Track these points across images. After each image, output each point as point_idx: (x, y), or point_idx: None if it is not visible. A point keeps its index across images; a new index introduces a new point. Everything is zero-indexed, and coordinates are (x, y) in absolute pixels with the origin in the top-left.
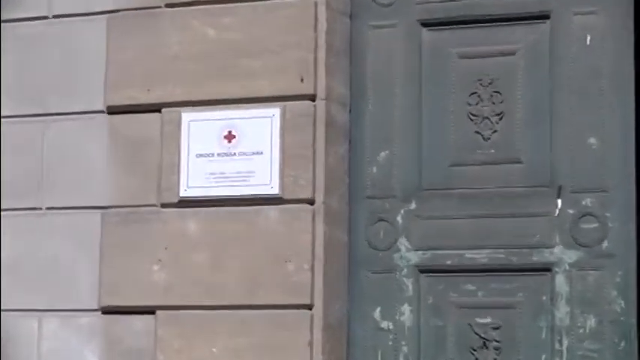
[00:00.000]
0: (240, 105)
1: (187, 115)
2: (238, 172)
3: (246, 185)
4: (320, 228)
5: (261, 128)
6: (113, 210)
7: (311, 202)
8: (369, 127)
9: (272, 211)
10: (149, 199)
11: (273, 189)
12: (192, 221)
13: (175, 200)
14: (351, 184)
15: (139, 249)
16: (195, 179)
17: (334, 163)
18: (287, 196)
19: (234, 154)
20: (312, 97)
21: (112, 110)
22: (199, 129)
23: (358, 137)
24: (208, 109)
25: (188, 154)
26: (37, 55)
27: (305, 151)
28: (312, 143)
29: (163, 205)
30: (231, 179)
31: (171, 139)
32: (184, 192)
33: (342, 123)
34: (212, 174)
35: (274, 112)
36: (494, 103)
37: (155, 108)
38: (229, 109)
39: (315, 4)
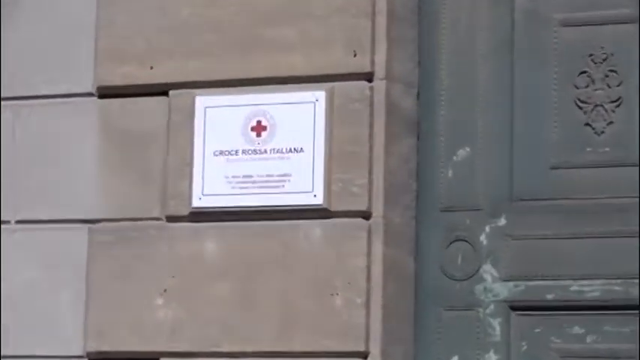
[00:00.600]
0: (272, 87)
1: (203, 100)
2: (270, 176)
3: (281, 193)
4: (378, 250)
5: (301, 117)
6: (104, 225)
7: (366, 215)
8: (443, 117)
9: (315, 227)
10: (151, 211)
11: (317, 198)
12: (209, 240)
13: (186, 212)
14: (420, 192)
15: (138, 277)
16: (212, 184)
17: (397, 165)
18: (334, 208)
19: (265, 151)
20: (369, 77)
21: (104, 92)
22: (218, 118)
23: (429, 130)
24: (230, 92)
25: (203, 152)
26: (6, 20)
27: (358, 148)
28: (367, 138)
29: (170, 219)
30: (260, 185)
31: (182, 130)
32: (198, 201)
33: (408, 111)
34: (235, 177)
35: (318, 95)
36: (609, 87)
37: (160, 90)
38: (258, 92)
39: None
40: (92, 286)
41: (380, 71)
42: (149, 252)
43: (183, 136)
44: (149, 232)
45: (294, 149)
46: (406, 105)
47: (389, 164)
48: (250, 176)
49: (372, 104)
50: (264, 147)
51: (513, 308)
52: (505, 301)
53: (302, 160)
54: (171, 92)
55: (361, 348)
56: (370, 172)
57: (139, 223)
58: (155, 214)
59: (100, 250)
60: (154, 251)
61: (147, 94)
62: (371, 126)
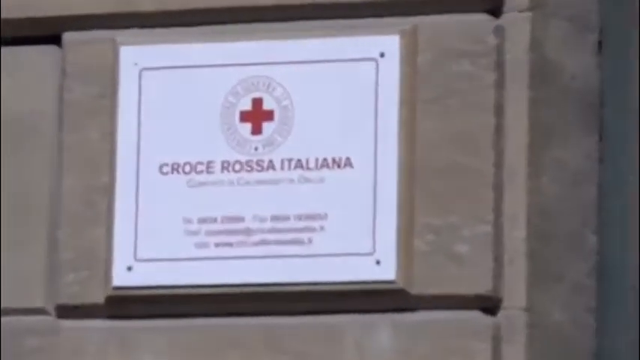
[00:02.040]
0: (285, 26)
1: (134, 53)
2: (280, 218)
3: (304, 257)
4: None
5: (348, 92)
6: None
7: (491, 305)
8: None
9: (377, 329)
10: (30, 298)
11: (382, 267)
12: (148, 357)
13: (99, 298)
14: (604, 254)
15: None
16: (156, 238)
17: (554, 194)
18: (420, 289)
19: (271, 165)
20: (495, 4)
21: None
22: (170, 93)
23: (620, 121)
24: (194, 36)
25: (137, 166)
26: None
27: (471, 160)
28: (491, 136)
29: (65, 313)
30: (259, 238)
31: (89, 119)
32: (125, 275)
33: (580, 82)
34: (204, 222)
35: (384, 45)
36: None
37: (44, 32)
38: (255, 36)
39: None
40: None
41: None
42: None
43: (94, 132)
44: (24, 341)
45: (334, 162)
46: (575, 69)
47: (539, 192)
48: (238, 219)
49: (500, 65)
50: (266, 156)
51: None
52: None
53: (349, 183)
54: (66, 36)
55: None
56: (498, 211)
57: (9, 319)
58: (37, 304)
59: None
60: None
61: (18, 41)
62: (499, 111)
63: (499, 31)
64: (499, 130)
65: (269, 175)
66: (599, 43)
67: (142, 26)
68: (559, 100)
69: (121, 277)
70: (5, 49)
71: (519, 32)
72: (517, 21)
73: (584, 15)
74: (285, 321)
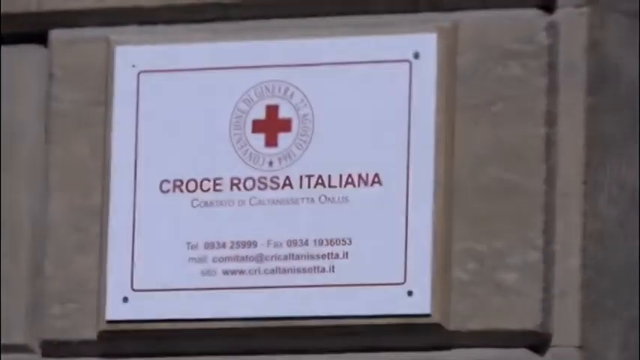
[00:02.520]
0: (302, 25)
1: (130, 54)
2: (298, 244)
3: (326, 286)
4: None
5: (377, 99)
6: None
7: (539, 343)
8: None
9: None
10: (11, 333)
11: (415, 299)
12: None
13: (91, 334)
14: None
15: None
16: (155, 267)
17: (616, 215)
18: (460, 324)
19: (287, 182)
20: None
21: None
22: (171, 98)
23: None
24: (197, 35)
25: (134, 184)
26: None
27: (518, 176)
28: (542, 147)
29: (48, 350)
30: (274, 266)
31: (81, 128)
32: (121, 308)
33: None
34: (211, 247)
35: (420, 45)
36: None
37: (32, 29)
38: (269, 36)
39: None
40: None
41: None
42: None
43: (85, 146)
44: None
45: (360, 179)
46: (637, 72)
47: (596, 215)
48: (250, 244)
49: (553, 67)
50: (282, 172)
51: None
52: None
53: (378, 204)
54: (53, 34)
55: None
56: (549, 236)
57: None
58: (19, 340)
59: None
60: None
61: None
62: (551, 120)
63: (552, 29)
64: (551, 143)
65: (285, 193)
66: None
67: (141, 23)
68: (619, 108)
69: (115, 310)
70: None
71: (575, 30)
72: (573, 17)
73: None
74: None
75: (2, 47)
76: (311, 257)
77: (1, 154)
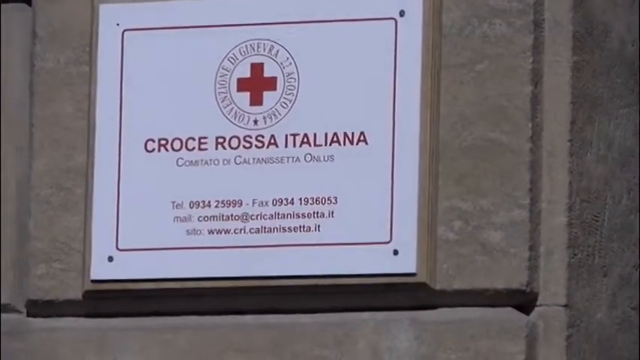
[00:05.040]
0: None
1: (114, 11)
2: (284, 203)
3: (312, 245)
4: None
5: (361, 57)
6: None
7: (527, 301)
8: None
9: (396, 329)
10: None
11: (401, 258)
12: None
13: (76, 294)
14: None
15: None
16: (141, 225)
17: (602, 175)
18: (445, 283)
19: (272, 141)
20: None
21: None
22: (156, 57)
23: None
24: None
25: (119, 143)
26: None
27: (504, 135)
28: (528, 106)
29: (37, 310)
30: (259, 225)
31: (64, 89)
32: (106, 266)
33: (629, 45)
34: (197, 206)
35: (402, 3)
36: None
37: None
38: None
39: None
40: None
41: None
42: None
43: (68, 105)
44: None
45: (346, 137)
46: (624, 31)
47: (582, 173)
48: (235, 203)
49: (539, 25)
50: (268, 130)
51: None
52: None
53: (363, 163)
54: None
55: None
56: (535, 194)
57: None
58: (3, 299)
59: None
60: None
61: None
62: (537, 79)
63: None
64: (537, 101)
65: (271, 152)
66: None
67: None
68: (606, 67)
69: (100, 269)
70: None
71: None
72: None
73: None
74: (290, 320)
75: None
76: (296, 216)
77: None
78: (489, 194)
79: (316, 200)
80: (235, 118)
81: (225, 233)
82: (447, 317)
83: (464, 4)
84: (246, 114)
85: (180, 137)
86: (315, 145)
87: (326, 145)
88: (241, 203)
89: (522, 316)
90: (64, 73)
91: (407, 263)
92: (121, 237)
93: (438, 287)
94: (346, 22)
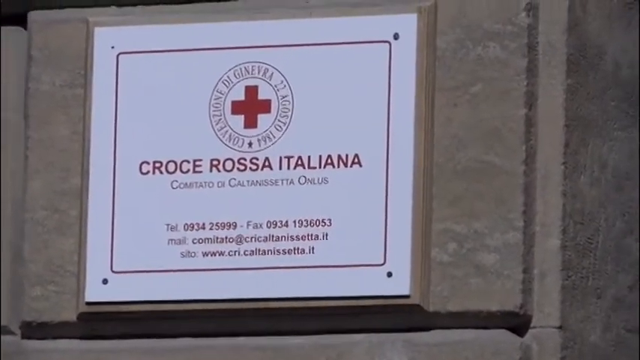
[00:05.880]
0: (276, 4)
1: (110, 35)
2: (278, 225)
3: (306, 268)
4: None
5: (356, 80)
6: None
7: (521, 323)
8: None
9: (389, 351)
10: None
11: (395, 280)
12: None
13: (71, 316)
14: None
15: None
16: (136, 248)
17: (595, 196)
18: (439, 305)
19: (266, 164)
20: None
21: None
22: (151, 80)
23: None
24: (178, 16)
25: (113, 165)
26: None
27: (499, 158)
28: (522, 130)
29: (31, 333)
30: (254, 247)
31: (59, 111)
32: (101, 289)
33: (623, 68)
34: (191, 229)
35: (399, 25)
36: None
37: (8, 10)
38: (249, 16)
39: None
40: None
41: None
42: None
43: (64, 127)
44: None
45: (340, 159)
46: (618, 54)
47: (576, 195)
48: (230, 225)
49: (533, 48)
50: (262, 153)
51: None
52: None
53: (357, 185)
54: (32, 16)
55: None
56: (529, 216)
57: None
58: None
59: None
60: None
61: None
62: (531, 102)
63: (532, 9)
64: (531, 124)
65: (265, 175)
66: None
67: (119, 4)
68: (600, 90)
69: (95, 292)
70: None
71: (555, 10)
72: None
73: None
74: (284, 342)
75: None
76: (291, 238)
77: None
78: (483, 217)
79: (310, 222)
80: (230, 141)
81: (219, 255)
82: (440, 339)
83: (458, 27)
84: (241, 136)
85: (174, 160)
86: (309, 167)
87: (320, 167)
88: (236, 225)
89: (516, 338)
90: (60, 96)
91: (401, 285)
92: (115, 259)
93: (431, 309)
94: (340, 45)
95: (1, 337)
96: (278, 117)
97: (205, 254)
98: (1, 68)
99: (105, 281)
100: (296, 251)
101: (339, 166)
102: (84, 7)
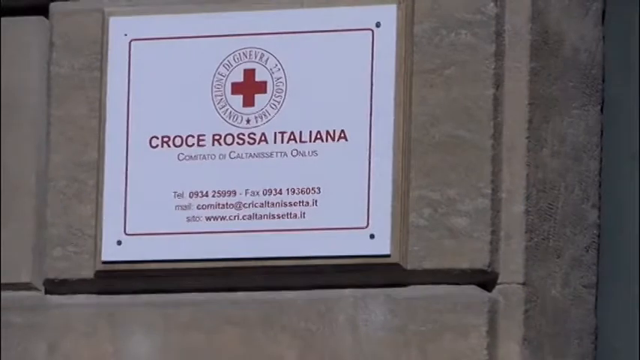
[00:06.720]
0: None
1: (123, 24)
2: (273, 193)
3: (297, 230)
4: (514, 357)
5: (342, 64)
6: None
7: (487, 280)
8: None
9: (372, 305)
10: (16, 272)
11: (376, 241)
12: (138, 335)
13: (89, 273)
14: (606, 228)
15: None
16: (146, 212)
17: (555, 167)
18: (415, 263)
19: (263, 138)
20: None
21: None
22: (159, 63)
23: (619, 96)
24: (185, 7)
25: (127, 139)
26: None
27: (469, 132)
28: (490, 108)
29: (54, 288)
30: (251, 212)
31: (78, 91)
32: (115, 249)
33: (581, 53)
34: (196, 196)
35: (381, 14)
36: None
37: (32, 2)
38: (247, 7)
39: None
40: None
41: None
42: (10, 355)
43: (82, 106)
44: (11, 316)
45: (328, 134)
46: (577, 40)
47: (539, 166)
48: (230, 193)
49: (500, 35)
50: (259, 128)
51: None
52: None
53: (344, 157)
54: (53, 7)
55: None
56: (496, 185)
57: None
58: (24, 278)
59: None
60: (22, 355)
61: (3, 11)
62: (498, 83)
63: (499, 0)
64: (498, 103)
65: (261, 148)
66: (603, 12)
67: None
68: (560, 72)
69: (110, 252)
70: None
71: (520, 1)
72: None
73: None
74: (279, 296)
75: (9, 18)
76: (284, 204)
77: (10, 115)
78: (455, 185)
79: (301, 190)
80: (230, 118)
81: (221, 220)
82: (417, 294)
83: (433, 17)
84: (240, 114)
85: (180, 135)
86: (300, 141)
87: (310, 141)
88: (235, 193)
89: (484, 293)
90: (78, 78)
91: (382, 246)
92: (128, 223)
93: (409, 267)
94: (329, 33)
95: (27, 292)
96: (273, 97)
97: (208, 219)
98: (27, 54)
99: (119, 243)
100: (289, 216)
101: (327, 141)
102: None
